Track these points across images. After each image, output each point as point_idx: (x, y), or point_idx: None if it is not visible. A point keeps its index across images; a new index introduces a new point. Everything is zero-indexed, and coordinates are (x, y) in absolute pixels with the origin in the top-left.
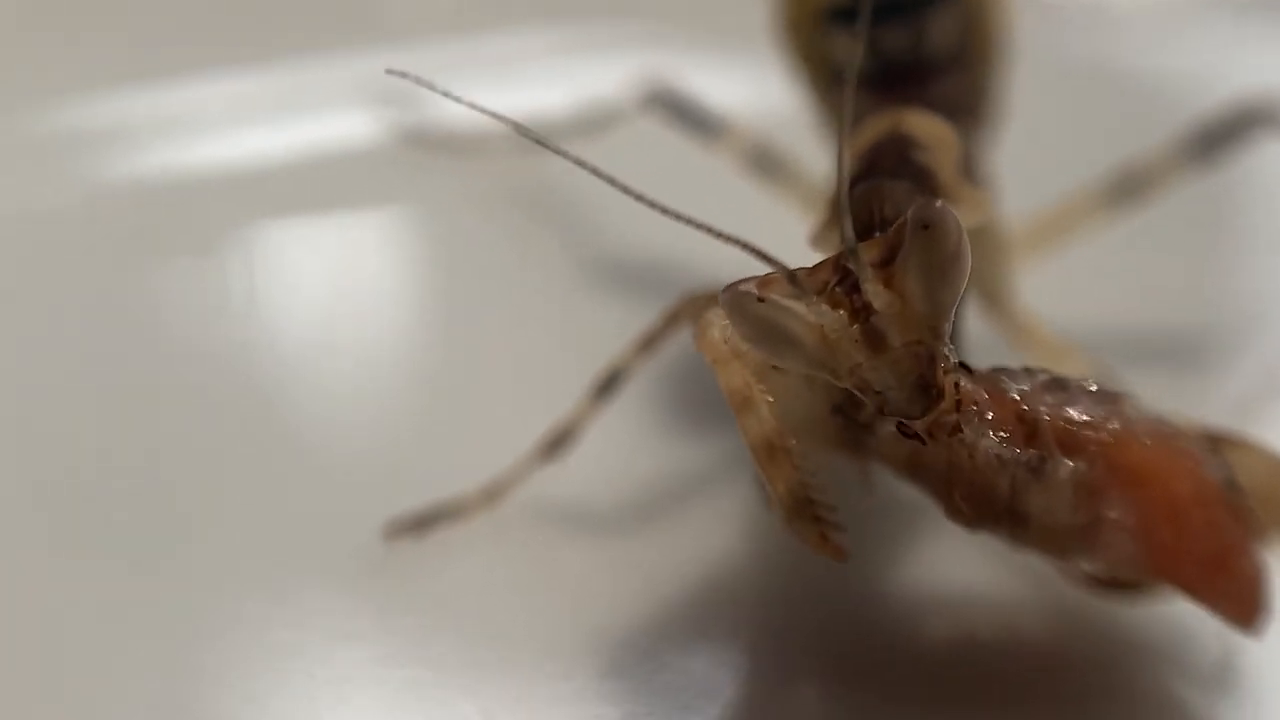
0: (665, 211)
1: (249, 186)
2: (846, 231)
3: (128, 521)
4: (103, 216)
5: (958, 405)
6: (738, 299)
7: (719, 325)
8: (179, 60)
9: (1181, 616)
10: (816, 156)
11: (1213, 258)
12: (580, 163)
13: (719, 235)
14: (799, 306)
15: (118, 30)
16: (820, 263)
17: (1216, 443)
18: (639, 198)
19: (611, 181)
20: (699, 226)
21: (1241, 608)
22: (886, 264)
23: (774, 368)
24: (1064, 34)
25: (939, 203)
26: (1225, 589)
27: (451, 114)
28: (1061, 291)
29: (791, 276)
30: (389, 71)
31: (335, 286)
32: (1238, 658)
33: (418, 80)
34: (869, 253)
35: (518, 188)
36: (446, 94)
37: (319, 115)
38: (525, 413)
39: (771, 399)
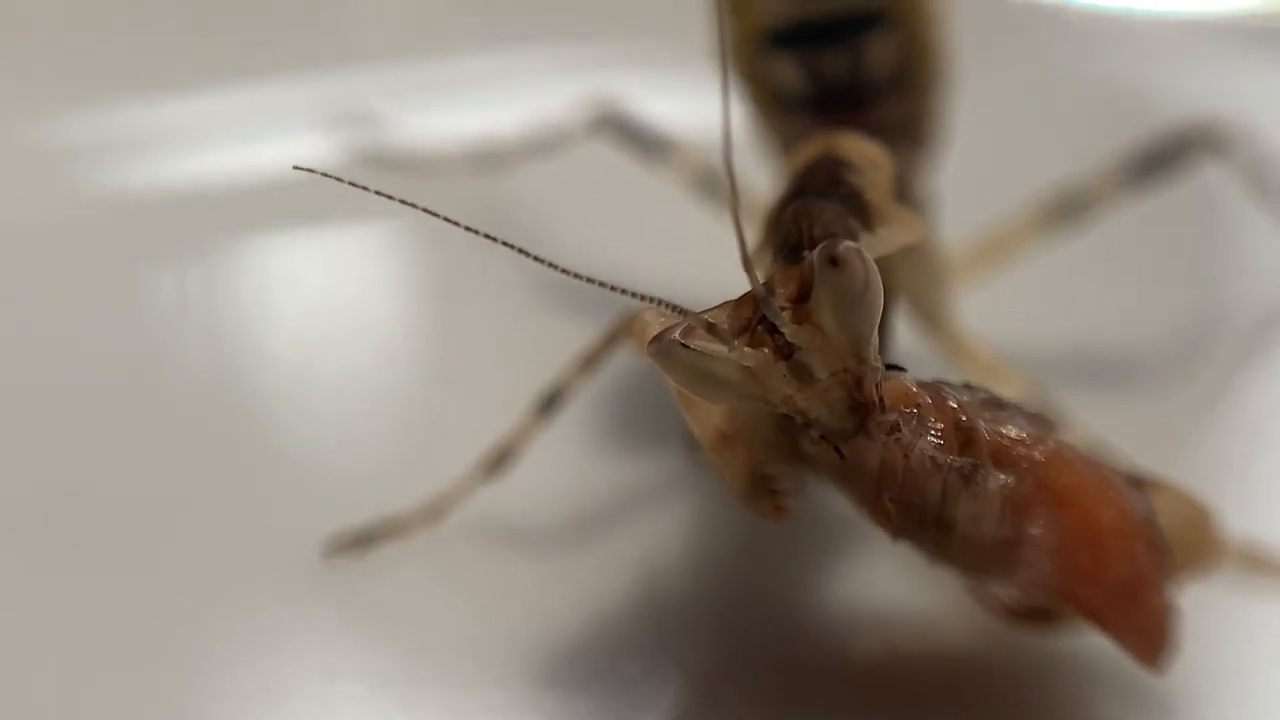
0: (554, 267)
1: (228, 201)
2: (757, 287)
3: (76, 529)
4: (86, 229)
5: (882, 405)
6: (666, 347)
7: (656, 325)
8: (163, 76)
9: (1100, 636)
10: (762, 175)
11: (1158, 279)
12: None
13: (614, 289)
14: (724, 350)
15: (102, 46)
16: (743, 297)
17: (1139, 482)
18: (531, 255)
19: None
20: (587, 279)
21: (1148, 643)
22: (803, 299)
23: None
24: (1031, 47)
25: (844, 241)
26: (1134, 622)
27: (408, 136)
28: (1006, 312)
29: (710, 326)
30: None
31: (290, 300)
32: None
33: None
34: (786, 286)
35: (472, 205)
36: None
37: (288, 135)
38: (479, 425)
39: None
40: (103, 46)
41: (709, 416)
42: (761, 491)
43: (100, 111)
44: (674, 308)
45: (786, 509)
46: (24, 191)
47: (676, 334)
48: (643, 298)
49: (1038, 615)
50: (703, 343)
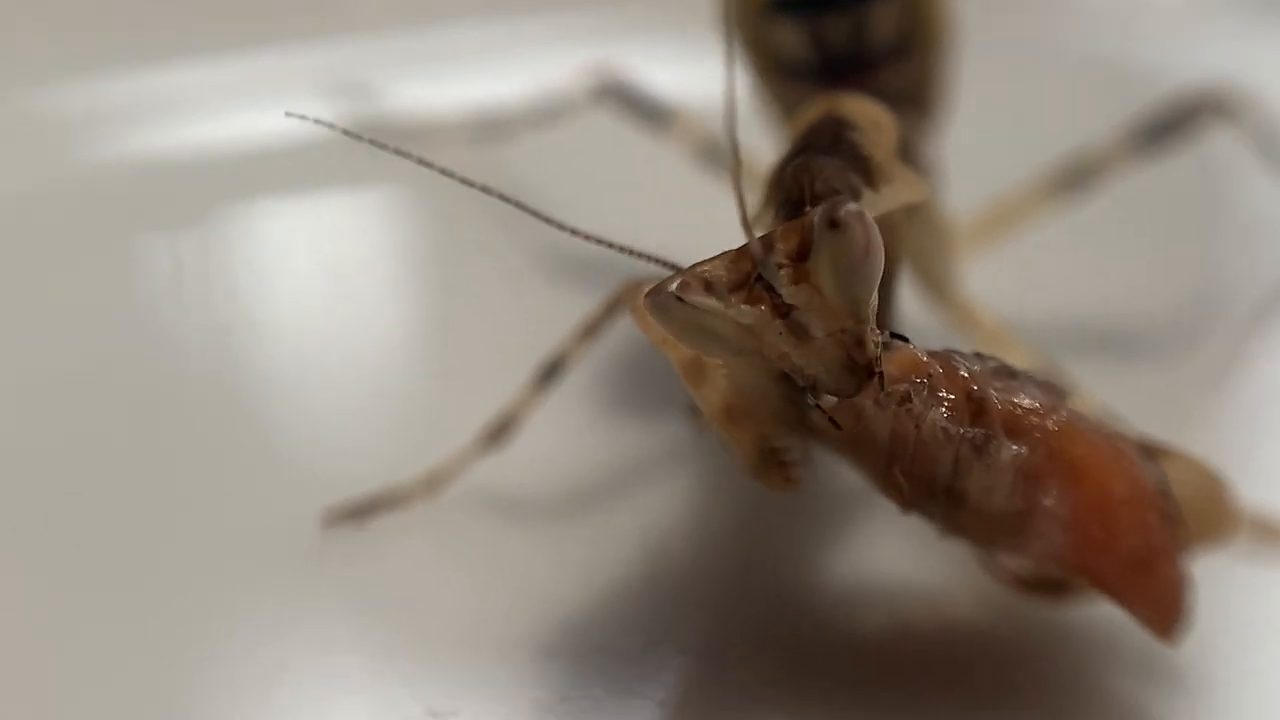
0: (560, 226)
1: (225, 171)
2: (755, 246)
3: (66, 500)
4: (83, 198)
5: (881, 374)
6: (662, 300)
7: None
8: (161, 45)
9: (1113, 609)
10: (765, 144)
11: (1165, 249)
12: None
13: (618, 248)
14: (720, 305)
15: (100, 15)
16: (743, 250)
17: (1152, 451)
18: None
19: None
20: (593, 239)
21: (1161, 614)
22: (803, 257)
23: None
24: (1031, 19)
25: (848, 203)
26: (1147, 592)
27: (406, 105)
28: (1012, 282)
29: (708, 284)
30: None
31: (289, 270)
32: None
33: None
34: (785, 242)
35: (476, 176)
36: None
37: (287, 104)
38: (478, 398)
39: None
40: (100, 15)
41: (715, 392)
42: (770, 464)
43: (97, 81)
44: (672, 267)
45: (795, 479)
46: (22, 160)
47: (673, 287)
48: (653, 259)
49: (1049, 586)
50: (699, 297)
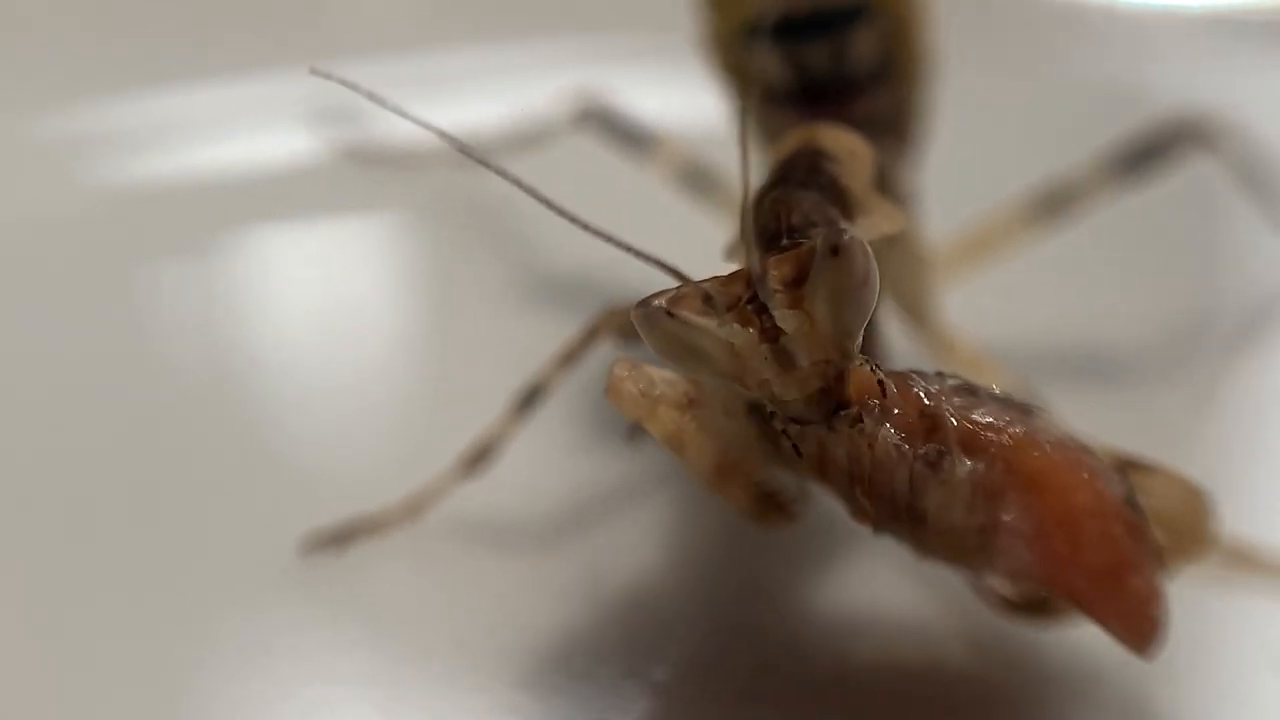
0: (584, 226)
1: (221, 195)
2: (753, 264)
3: (63, 508)
4: (80, 224)
5: (864, 398)
6: (649, 315)
7: (630, 378)
8: (156, 71)
9: (1098, 648)
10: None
11: (1152, 273)
12: (508, 176)
13: (631, 250)
14: (709, 324)
15: (98, 42)
16: (734, 274)
17: (1126, 465)
18: (560, 210)
19: (535, 195)
20: (613, 241)
21: (1134, 627)
22: (797, 284)
23: (691, 401)
24: (1024, 43)
25: (848, 232)
26: (1117, 606)
27: (398, 130)
28: (997, 308)
29: (705, 295)
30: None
31: (284, 295)
32: (1150, 690)
33: (369, 95)
34: (780, 269)
35: (460, 201)
36: (394, 109)
37: (270, 130)
38: (470, 422)
39: (700, 426)
40: (98, 42)
41: (701, 456)
42: (771, 508)
43: (96, 107)
44: (679, 275)
45: (793, 514)
46: (20, 186)
47: (663, 301)
48: (666, 267)
49: (1035, 606)
50: (689, 314)
